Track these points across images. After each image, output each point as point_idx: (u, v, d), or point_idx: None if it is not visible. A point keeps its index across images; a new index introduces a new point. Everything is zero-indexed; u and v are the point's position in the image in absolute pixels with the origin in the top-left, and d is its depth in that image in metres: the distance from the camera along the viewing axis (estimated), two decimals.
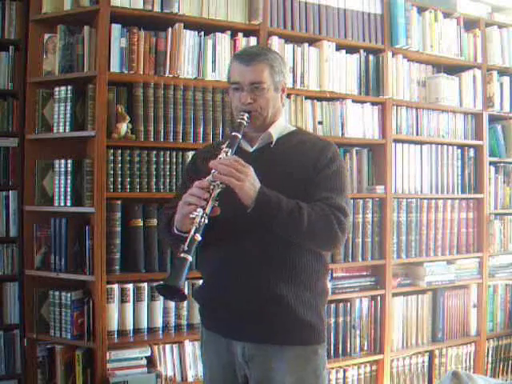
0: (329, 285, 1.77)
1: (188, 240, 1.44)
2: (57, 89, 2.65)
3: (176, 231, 1.59)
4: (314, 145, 1.72)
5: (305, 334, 1.66)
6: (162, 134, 2.66)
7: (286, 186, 1.59)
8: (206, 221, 1.47)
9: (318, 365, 1.68)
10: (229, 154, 1.58)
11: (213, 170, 1.53)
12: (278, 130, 1.75)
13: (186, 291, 1.39)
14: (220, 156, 1.57)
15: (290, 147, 1.72)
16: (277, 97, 1.74)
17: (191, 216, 1.47)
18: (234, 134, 1.65)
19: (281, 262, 1.63)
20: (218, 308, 1.71)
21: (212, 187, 1.50)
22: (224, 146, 1.61)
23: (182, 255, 1.42)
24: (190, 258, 1.42)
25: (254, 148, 1.73)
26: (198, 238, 1.45)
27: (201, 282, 1.83)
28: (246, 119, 1.66)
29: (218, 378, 1.75)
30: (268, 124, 1.73)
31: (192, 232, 1.45)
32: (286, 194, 1.56)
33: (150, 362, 2.63)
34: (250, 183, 1.50)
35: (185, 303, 2.70)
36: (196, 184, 1.53)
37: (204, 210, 1.47)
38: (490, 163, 3.57)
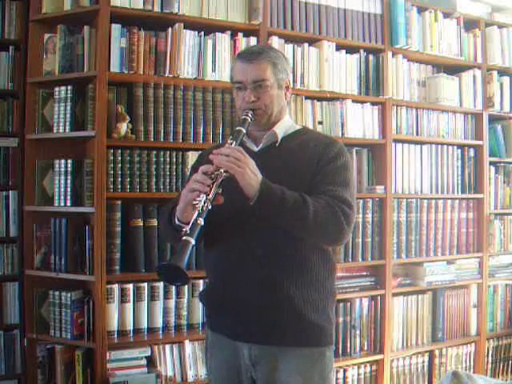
0: (335, 285, 1.76)
1: (191, 223, 1.43)
2: (57, 89, 2.64)
3: (177, 222, 1.57)
4: (319, 142, 1.71)
5: (312, 335, 1.64)
6: (162, 134, 2.66)
7: (292, 184, 1.57)
8: (210, 207, 1.46)
9: (324, 367, 1.66)
10: (233, 145, 1.58)
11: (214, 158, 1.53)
12: (283, 128, 1.74)
13: (187, 273, 1.38)
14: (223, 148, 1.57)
15: (295, 146, 1.71)
16: (281, 94, 1.73)
17: (194, 202, 1.47)
18: (238, 128, 1.64)
19: (288, 262, 1.61)
20: (224, 310, 1.69)
21: (216, 175, 1.49)
22: (228, 140, 1.61)
23: (185, 238, 1.41)
24: (192, 241, 1.41)
25: (260, 147, 1.73)
26: (201, 222, 1.43)
27: (201, 282, 1.85)
28: (250, 116, 1.65)
29: (224, 380, 1.73)
30: (273, 122, 1.72)
31: (195, 216, 1.44)
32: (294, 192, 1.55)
33: (150, 361, 2.63)
34: (250, 171, 1.49)
35: (185, 303, 2.70)
36: (201, 168, 1.52)
37: (207, 195, 1.46)
38: (490, 163, 3.57)
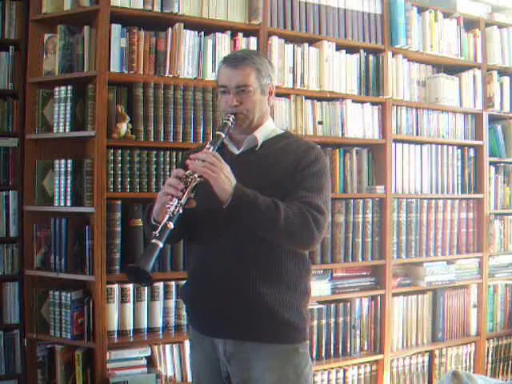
0: (311, 285, 1.80)
1: (160, 227, 1.48)
2: (57, 89, 2.65)
3: (153, 222, 1.62)
4: (298, 148, 1.74)
5: (284, 332, 1.68)
6: (162, 134, 2.66)
7: (269, 188, 1.61)
8: (181, 211, 1.51)
9: (298, 363, 1.69)
10: (210, 150, 1.62)
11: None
12: (263, 133, 1.78)
13: (151, 275, 1.46)
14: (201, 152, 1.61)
15: (274, 150, 1.74)
16: (263, 100, 1.77)
17: (166, 206, 1.52)
18: (218, 133, 1.69)
19: (261, 261, 1.66)
20: (200, 306, 1.75)
21: (190, 180, 1.54)
22: (207, 144, 1.65)
23: (153, 241, 1.46)
24: (160, 244, 1.46)
25: (240, 151, 1.77)
26: (171, 226, 1.48)
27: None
28: (231, 120, 1.69)
29: (205, 374, 1.78)
30: (254, 126, 1.76)
31: (165, 219, 1.49)
32: (269, 196, 1.58)
33: (150, 361, 2.63)
34: (224, 176, 1.53)
35: (183, 302, 2.70)
36: (173, 173, 1.58)
37: (179, 200, 1.51)
38: (490, 163, 3.57)
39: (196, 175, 1.54)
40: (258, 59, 1.75)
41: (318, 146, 1.80)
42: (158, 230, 1.48)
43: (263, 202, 1.56)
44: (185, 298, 1.86)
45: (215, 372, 1.74)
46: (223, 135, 1.68)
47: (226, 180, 1.53)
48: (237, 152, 1.77)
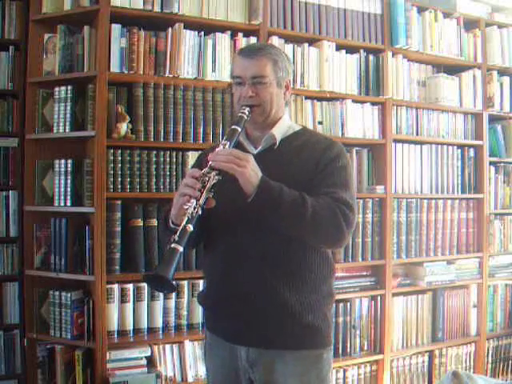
0: (334, 286, 1.74)
1: (179, 230, 1.40)
2: (57, 89, 2.65)
3: (172, 225, 1.55)
4: (318, 144, 1.68)
5: (309, 337, 1.63)
6: (162, 133, 2.66)
7: (291, 187, 1.54)
8: (200, 212, 1.43)
9: (321, 369, 1.65)
10: (227, 146, 1.55)
11: (210, 162, 1.50)
12: (281, 130, 1.71)
13: (174, 282, 1.36)
14: (218, 149, 1.54)
15: (294, 148, 1.68)
16: (280, 93, 1.70)
17: (184, 207, 1.44)
18: (233, 127, 1.60)
19: (284, 264, 1.60)
20: (221, 312, 1.69)
21: (207, 178, 1.46)
22: (223, 140, 1.58)
23: (173, 245, 1.38)
24: (180, 249, 1.38)
25: (258, 150, 1.70)
26: (190, 228, 1.40)
27: (201, 283, 1.84)
28: (246, 113, 1.62)
29: (222, 379, 1.72)
30: (271, 122, 1.69)
31: (184, 222, 1.40)
32: None
33: (150, 361, 2.63)
34: (251, 169, 1.47)
35: (185, 303, 2.70)
36: (189, 173, 1.51)
37: (197, 200, 1.43)
38: (490, 163, 3.57)
39: (214, 173, 1.46)
40: (274, 51, 1.69)
41: (338, 142, 1.73)
42: (178, 233, 1.39)
43: (289, 194, 1.49)
44: (204, 303, 1.79)
45: (232, 378, 1.68)
46: (239, 129, 1.59)
47: (252, 173, 1.46)
48: (255, 151, 1.69)
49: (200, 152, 1.95)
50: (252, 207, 1.48)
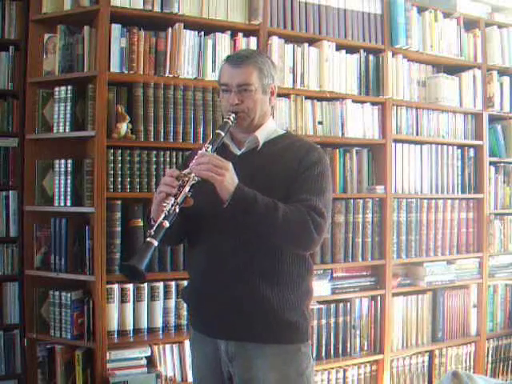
0: (313, 285, 1.81)
1: (156, 226, 1.47)
2: (57, 89, 2.65)
3: (153, 222, 1.60)
4: (299, 148, 1.74)
5: (287, 332, 1.68)
6: (162, 133, 2.66)
7: (269, 189, 1.61)
8: (177, 209, 1.50)
9: (300, 363, 1.70)
10: (209, 150, 1.61)
11: (191, 164, 1.56)
12: (264, 133, 1.77)
13: (145, 273, 1.46)
14: (200, 151, 1.60)
15: (276, 151, 1.74)
16: (265, 99, 1.77)
17: (163, 204, 1.51)
18: (217, 131, 1.68)
19: (262, 262, 1.65)
20: (202, 307, 1.74)
21: (187, 179, 1.53)
22: (206, 144, 1.64)
23: (148, 239, 1.46)
24: (155, 243, 1.45)
25: (241, 151, 1.76)
26: (166, 224, 1.47)
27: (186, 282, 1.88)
28: (231, 119, 1.69)
29: (206, 375, 1.77)
30: (255, 126, 1.76)
31: (161, 218, 1.48)
32: (270, 197, 1.58)
33: (150, 361, 2.63)
34: (229, 178, 1.54)
35: (185, 303, 2.70)
36: (167, 172, 1.58)
37: (176, 198, 1.51)
38: (490, 163, 3.57)
39: (193, 175, 1.54)
40: (260, 59, 1.74)
41: (319, 147, 1.79)
42: (154, 228, 1.47)
43: (262, 201, 1.56)
44: (186, 299, 1.86)
45: (216, 373, 1.74)
46: (223, 134, 1.67)
47: (230, 181, 1.53)
48: (238, 152, 1.77)
49: (188, 152, 2.01)
50: (229, 211, 1.55)
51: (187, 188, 1.53)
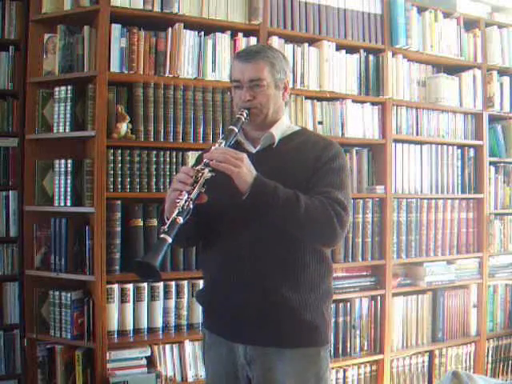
0: (333, 285, 1.76)
1: (169, 222, 1.43)
2: (57, 89, 2.65)
3: (166, 220, 1.56)
4: (316, 144, 1.71)
5: (307, 335, 1.64)
6: (162, 133, 2.66)
7: (288, 186, 1.56)
8: (192, 206, 1.46)
9: (320, 367, 1.66)
10: (222, 145, 1.58)
11: (205, 159, 1.52)
12: (280, 129, 1.74)
13: (159, 270, 1.39)
14: (213, 147, 1.57)
15: (292, 147, 1.70)
16: (278, 95, 1.73)
17: (176, 201, 1.47)
18: (230, 127, 1.64)
19: (282, 263, 1.61)
20: (219, 311, 1.70)
21: (200, 174, 1.49)
22: (219, 139, 1.61)
23: (162, 236, 1.41)
24: (169, 240, 1.40)
25: (257, 149, 1.72)
26: (180, 220, 1.42)
27: (201, 283, 1.85)
28: (244, 115, 1.65)
29: (221, 379, 1.73)
30: (269, 122, 1.72)
31: (174, 214, 1.44)
32: None
33: (150, 361, 2.63)
34: (246, 169, 1.50)
35: (185, 303, 2.70)
36: (181, 169, 1.54)
37: (189, 194, 1.46)
38: (490, 163, 3.57)
39: (207, 170, 1.49)
40: (271, 53, 1.71)
41: (336, 142, 1.75)
42: (167, 224, 1.42)
43: (283, 192, 1.51)
44: (203, 301, 1.80)
45: (230, 376, 1.69)
46: (236, 130, 1.63)
47: (247, 172, 1.49)
48: (253, 150, 1.72)
49: (200, 152, 1.96)
50: (248, 204, 1.51)
51: (201, 182, 1.48)
